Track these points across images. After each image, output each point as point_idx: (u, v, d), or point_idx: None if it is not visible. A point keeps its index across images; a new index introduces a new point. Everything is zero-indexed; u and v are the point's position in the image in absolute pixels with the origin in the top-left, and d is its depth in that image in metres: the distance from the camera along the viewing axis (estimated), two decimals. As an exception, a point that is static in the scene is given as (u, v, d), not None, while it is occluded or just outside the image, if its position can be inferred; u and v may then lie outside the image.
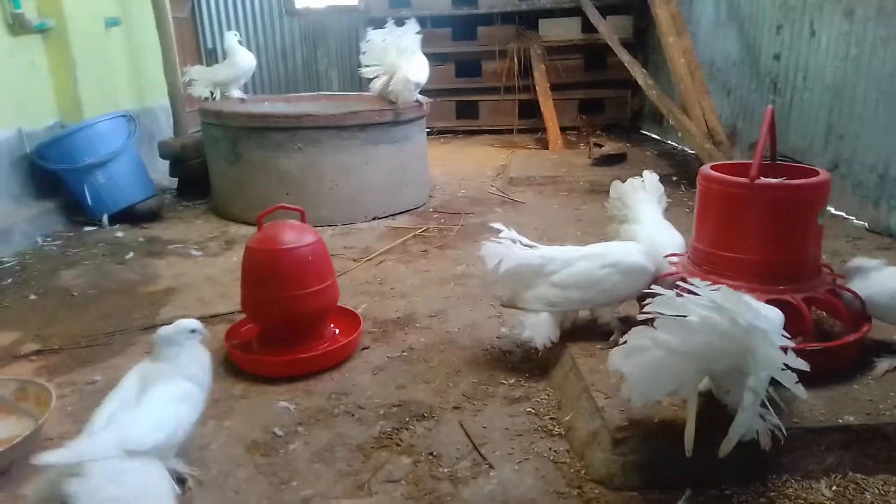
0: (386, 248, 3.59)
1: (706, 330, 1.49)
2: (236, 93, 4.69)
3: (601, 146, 5.56)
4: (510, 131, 7.11)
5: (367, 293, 3.03)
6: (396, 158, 4.14)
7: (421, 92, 4.26)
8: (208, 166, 4.40)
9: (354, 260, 3.44)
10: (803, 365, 1.47)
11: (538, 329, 2.22)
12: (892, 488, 1.65)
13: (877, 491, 1.64)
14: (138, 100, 5.44)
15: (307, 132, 3.88)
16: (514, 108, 7.08)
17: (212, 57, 7.13)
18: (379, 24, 4.73)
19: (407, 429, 2.00)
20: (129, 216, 4.20)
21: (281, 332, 2.38)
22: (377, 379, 2.29)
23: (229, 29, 7.03)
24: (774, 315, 1.74)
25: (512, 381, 2.24)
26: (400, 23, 4.22)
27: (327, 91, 7.20)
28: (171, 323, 1.84)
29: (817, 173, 1.98)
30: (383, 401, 2.15)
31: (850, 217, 3.81)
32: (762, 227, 1.94)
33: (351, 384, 2.26)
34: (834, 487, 1.66)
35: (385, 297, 2.98)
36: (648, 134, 6.91)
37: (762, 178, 1.94)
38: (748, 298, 1.54)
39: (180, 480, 1.69)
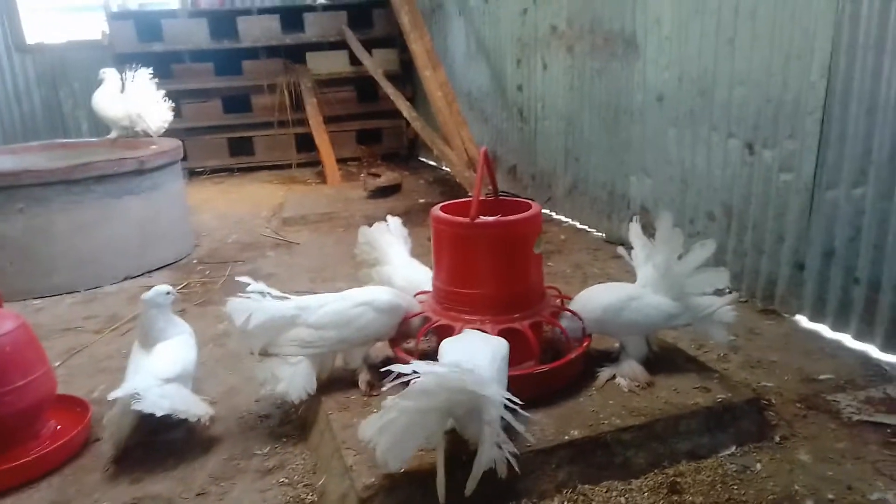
0: (135, 313, 3.22)
1: (443, 389, 1.56)
2: (-62, 148, 3.98)
3: (378, 176, 5.62)
4: (289, 166, 6.94)
5: (108, 370, 2.68)
6: (146, 210, 3.77)
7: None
8: None
9: (96, 332, 3.04)
10: (517, 401, 1.58)
11: (293, 381, 2.09)
12: (614, 493, 1.80)
13: (601, 498, 1.78)
14: None
15: (30, 190, 3.37)
16: (292, 142, 6.94)
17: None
18: (128, 59, 4.44)
19: (138, 532, 1.76)
20: None
21: (-21, 442, 1.99)
22: (108, 476, 2.00)
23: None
24: (500, 345, 1.84)
25: (267, 450, 2.09)
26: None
27: (75, 137, 6.44)
28: None
29: (530, 206, 2.13)
30: (113, 502, 1.87)
31: (591, 230, 4.25)
32: (486, 262, 2.03)
33: (75, 489, 1.95)
34: (565, 503, 1.77)
35: (130, 372, 2.66)
36: (426, 161, 7.18)
37: (482, 216, 2.04)
38: (464, 357, 1.65)
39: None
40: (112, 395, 1.98)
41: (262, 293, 2.14)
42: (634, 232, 2.26)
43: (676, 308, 2.09)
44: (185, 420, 2.04)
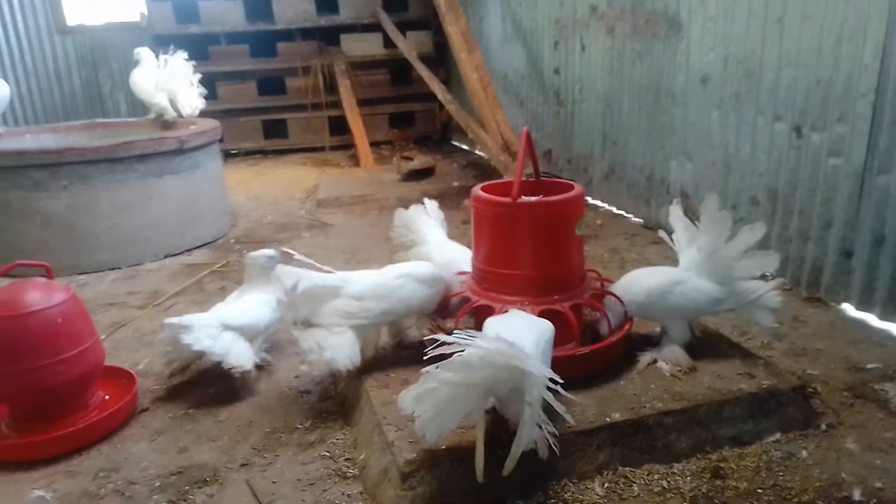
0: (178, 289, 3.30)
1: (485, 366, 1.54)
2: (-13, 126, 4.08)
3: (410, 159, 5.62)
4: (322, 149, 6.98)
5: (152, 345, 2.73)
6: (186, 189, 3.83)
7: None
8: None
9: (139, 307, 3.11)
10: (559, 380, 1.58)
11: (340, 349, 2.07)
12: (656, 476, 1.79)
13: (642, 482, 1.77)
14: None
15: (73, 168, 3.45)
16: (325, 124, 6.97)
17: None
18: (166, 40, 4.48)
19: (186, 499, 1.80)
20: None
21: (34, 409, 2.06)
22: (155, 445, 2.05)
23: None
24: (546, 327, 1.83)
25: (308, 424, 2.12)
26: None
27: (113, 117, 6.56)
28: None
29: (572, 188, 2.11)
30: (160, 471, 1.92)
31: (629, 215, 4.19)
32: (527, 243, 2.02)
33: (123, 456, 2.01)
34: (606, 484, 1.76)
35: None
36: (458, 145, 7.15)
37: (523, 196, 2.02)
38: (509, 337, 1.61)
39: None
40: (167, 321, 2.16)
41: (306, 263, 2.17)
42: (676, 214, 2.22)
43: (722, 292, 2.05)
44: (231, 368, 2.20)
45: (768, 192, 3.01)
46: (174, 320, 2.15)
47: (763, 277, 2.10)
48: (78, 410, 2.11)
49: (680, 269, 2.15)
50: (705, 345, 2.19)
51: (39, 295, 2.03)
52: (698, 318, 2.19)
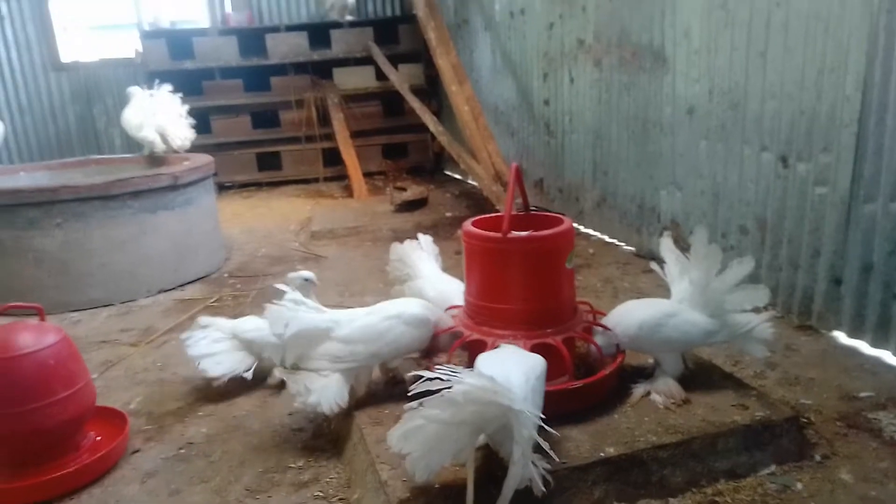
0: (170, 325, 3.29)
1: (470, 402, 1.53)
2: (-20, 164, 4.10)
3: (404, 190, 5.67)
4: (316, 180, 7.02)
5: (144, 383, 2.72)
6: (179, 225, 3.84)
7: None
8: (-52, 251, 3.75)
9: (132, 345, 3.10)
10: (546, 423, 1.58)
11: (325, 392, 2.09)
12: (651, 511, 1.78)
13: (638, 517, 1.76)
14: None
15: (67, 205, 3.46)
16: (319, 156, 7.02)
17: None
18: (161, 76, 4.53)
19: (177, 544, 1.78)
20: None
21: (23, 453, 2.03)
22: (147, 487, 2.03)
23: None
24: (537, 362, 1.83)
25: (301, 463, 2.11)
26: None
27: (108, 153, 6.60)
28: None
29: (562, 222, 2.13)
30: (151, 514, 1.91)
31: (621, 244, 4.22)
32: (518, 277, 2.03)
33: (115, 500, 1.98)
34: (602, 522, 1.75)
35: (165, 384, 2.70)
36: (451, 174, 7.20)
37: (515, 231, 2.04)
38: (499, 373, 1.61)
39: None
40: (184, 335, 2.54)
41: (296, 302, 2.16)
42: (666, 246, 2.24)
43: (714, 325, 2.07)
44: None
45: (757, 220, 3.04)
46: (190, 331, 2.48)
47: (756, 309, 2.12)
48: (69, 452, 2.09)
49: (672, 301, 2.16)
50: (698, 375, 2.19)
51: (31, 337, 2.03)
52: (691, 349, 2.20)
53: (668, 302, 2.16)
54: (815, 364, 2.53)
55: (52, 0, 6.91)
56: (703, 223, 3.34)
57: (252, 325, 2.54)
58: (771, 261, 2.98)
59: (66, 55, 7.00)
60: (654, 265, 2.32)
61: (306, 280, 2.48)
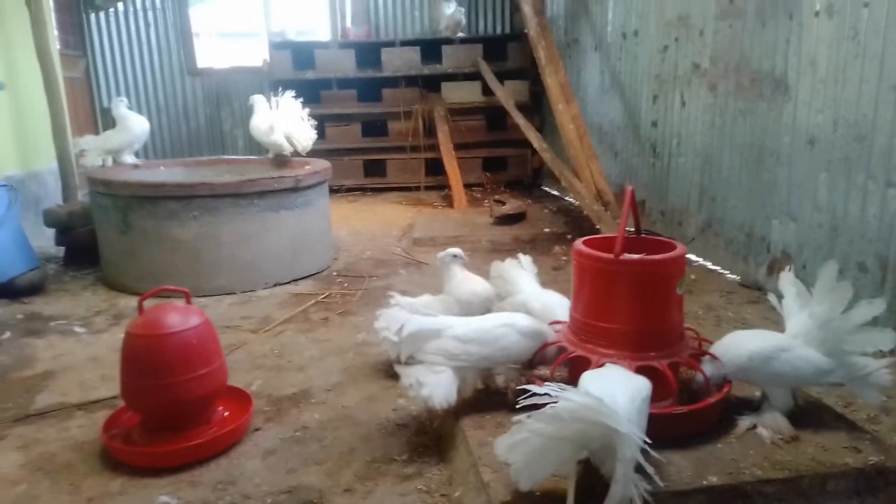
0: (286, 317, 3.55)
1: (575, 420, 1.59)
2: (129, 159, 4.58)
3: (503, 203, 5.77)
4: (417, 188, 7.27)
5: (263, 367, 2.96)
6: (297, 224, 4.13)
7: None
8: (97, 235, 4.22)
9: (252, 331, 3.37)
10: (649, 446, 1.60)
11: (436, 388, 2.20)
12: (751, 544, 1.77)
13: (739, 548, 1.75)
14: (24, 164, 5.19)
15: (203, 200, 3.81)
16: (421, 165, 7.27)
17: (107, 117, 6.93)
18: (283, 85, 4.87)
19: (295, 518, 1.95)
20: (8, 291, 3.94)
21: (164, 421, 2.29)
22: (267, 463, 2.23)
23: (125, 90, 6.90)
24: (642, 384, 1.86)
25: (405, 457, 2.24)
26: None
27: (232, 153, 7.13)
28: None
29: (674, 247, 2.15)
30: (272, 488, 2.09)
31: (725, 272, 4.12)
32: (628, 299, 2.08)
33: (239, 471, 2.19)
34: (700, 549, 1.76)
35: (282, 371, 2.93)
36: (549, 190, 7.25)
37: (626, 253, 2.09)
38: (605, 392, 1.66)
39: None
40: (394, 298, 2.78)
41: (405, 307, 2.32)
42: (788, 280, 2.20)
43: (830, 364, 2.02)
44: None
45: (879, 258, 2.91)
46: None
47: (875, 353, 2.05)
48: (203, 424, 2.33)
49: (786, 335, 2.12)
50: (808, 414, 2.14)
51: (178, 317, 2.28)
52: (802, 387, 2.15)
53: (781, 335, 2.13)
54: (938, 414, 2.40)
55: (192, 8, 7.57)
56: (817, 257, 3.23)
57: (421, 304, 2.81)
58: (892, 301, 2.84)
59: (202, 62, 7.64)
60: (771, 297, 2.28)
61: (455, 256, 2.83)
